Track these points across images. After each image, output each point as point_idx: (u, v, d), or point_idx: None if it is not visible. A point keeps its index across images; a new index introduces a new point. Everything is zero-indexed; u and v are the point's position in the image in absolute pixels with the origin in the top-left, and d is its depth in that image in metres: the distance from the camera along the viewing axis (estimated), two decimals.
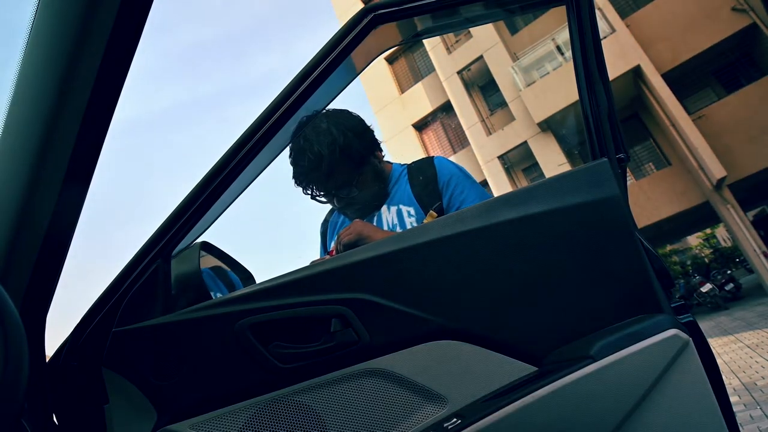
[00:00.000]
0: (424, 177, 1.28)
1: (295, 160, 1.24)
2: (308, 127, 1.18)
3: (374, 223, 1.28)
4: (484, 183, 13.28)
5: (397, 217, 1.26)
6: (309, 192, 1.27)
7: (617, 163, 0.82)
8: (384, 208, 1.30)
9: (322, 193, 1.27)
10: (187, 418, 0.79)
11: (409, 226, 1.23)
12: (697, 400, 0.68)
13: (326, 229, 1.45)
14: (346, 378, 0.78)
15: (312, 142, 1.19)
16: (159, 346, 0.81)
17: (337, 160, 1.20)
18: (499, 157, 13.32)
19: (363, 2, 14.59)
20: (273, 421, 0.78)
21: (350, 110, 1.30)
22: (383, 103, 15.77)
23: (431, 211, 1.20)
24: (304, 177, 1.24)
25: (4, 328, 0.53)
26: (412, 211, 1.25)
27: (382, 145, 1.35)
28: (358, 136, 1.25)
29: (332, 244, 1.26)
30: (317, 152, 1.18)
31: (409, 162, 1.38)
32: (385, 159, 1.37)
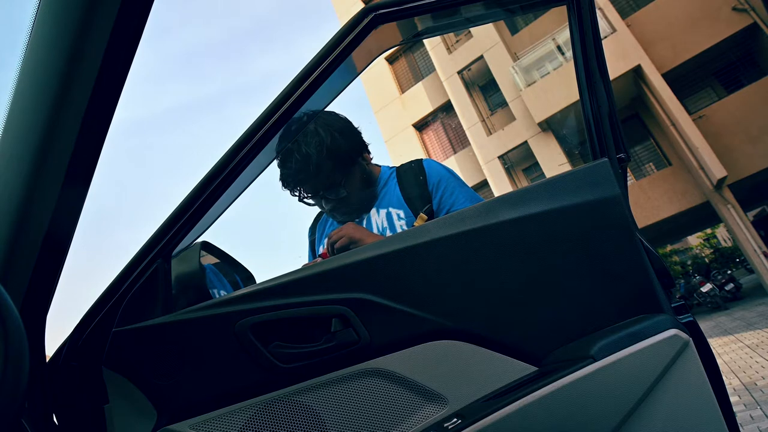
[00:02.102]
0: (414, 179, 1.28)
1: (282, 162, 1.23)
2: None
3: (364, 226, 1.28)
4: (485, 183, 13.28)
5: (387, 220, 1.26)
6: (297, 194, 1.26)
7: (618, 163, 0.82)
8: (373, 210, 1.29)
9: (309, 195, 1.27)
10: (187, 418, 0.79)
11: (399, 229, 1.23)
12: (697, 400, 0.68)
13: (314, 235, 1.44)
14: (347, 378, 0.78)
15: (299, 143, 1.19)
16: (159, 346, 0.81)
17: (325, 160, 1.20)
18: (499, 157, 13.31)
19: (363, 2, 14.59)
20: (273, 421, 0.78)
21: (338, 112, 1.30)
22: (383, 103, 15.77)
23: (421, 214, 1.20)
24: (291, 178, 1.24)
25: (5, 328, 0.53)
26: (402, 214, 1.25)
27: (371, 147, 1.36)
28: (345, 137, 1.25)
29: (322, 249, 1.26)
30: (304, 153, 1.18)
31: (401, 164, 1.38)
32: (373, 162, 1.37)
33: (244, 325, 0.80)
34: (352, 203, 1.28)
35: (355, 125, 1.32)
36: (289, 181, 1.24)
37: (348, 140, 1.25)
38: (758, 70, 11.10)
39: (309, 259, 1.44)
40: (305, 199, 1.28)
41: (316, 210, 1.45)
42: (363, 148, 1.32)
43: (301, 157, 1.19)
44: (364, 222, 1.29)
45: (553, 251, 0.78)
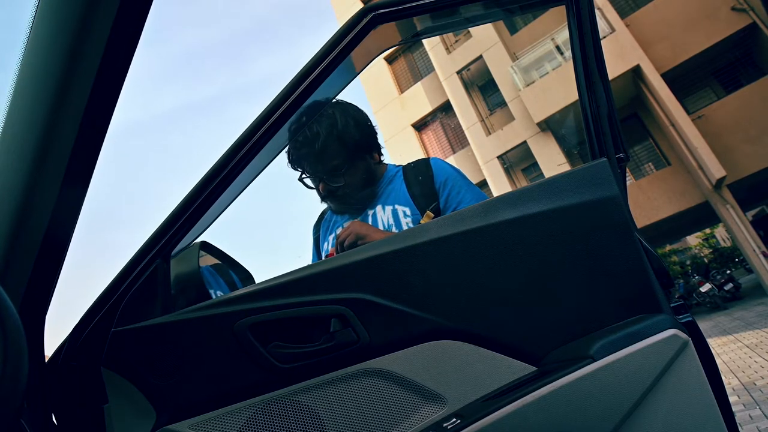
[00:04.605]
0: (421, 178, 1.28)
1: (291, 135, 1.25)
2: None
3: (369, 223, 1.28)
4: (484, 183, 13.29)
5: (393, 217, 1.26)
6: (298, 170, 1.28)
7: (617, 162, 0.82)
8: (379, 207, 1.29)
9: (309, 174, 1.28)
10: (187, 418, 0.79)
11: (405, 227, 1.23)
12: (697, 400, 0.68)
13: (318, 233, 1.44)
14: (346, 378, 0.78)
15: (313, 122, 1.21)
16: (158, 346, 0.81)
17: (332, 144, 1.22)
18: (498, 157, 13.32)
19: (363, 2, 14.58)
20: (272, 421, 0.78)
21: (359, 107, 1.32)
22: (383, 103, 15.77)
23: (428, 212, 1.20)
24: (295, 151, 1.25)
25: (4, 328, 0.53)
26: (408, 211, 1.25)
27: (383, 150, 1.36)
28: (358, 128, 1.27)
29: (330, 248, 1.26)
30: (314, 130, 1.21)
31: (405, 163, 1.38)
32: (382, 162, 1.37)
33: (243, 325, 0.80)
34: (349, 196, 1.29)
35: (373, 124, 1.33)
36: (292, 152, 1.26)
37: (360, 132, 1.27)
38: (757, 70, 11.11)
39: (313, 255, 1.45)
40: (305, 179, 1.30)
41: (317, 208, 1.45)
42: (374, 146, 1.33)
43: (310, 133, 1.21)
44: (370, 219, 1.29)
45: (552, 251, 0.78)
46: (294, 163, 1.27)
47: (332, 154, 1.23)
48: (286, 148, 1.26)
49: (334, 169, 1.25)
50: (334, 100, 1.25)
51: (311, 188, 1.32)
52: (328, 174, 1.25)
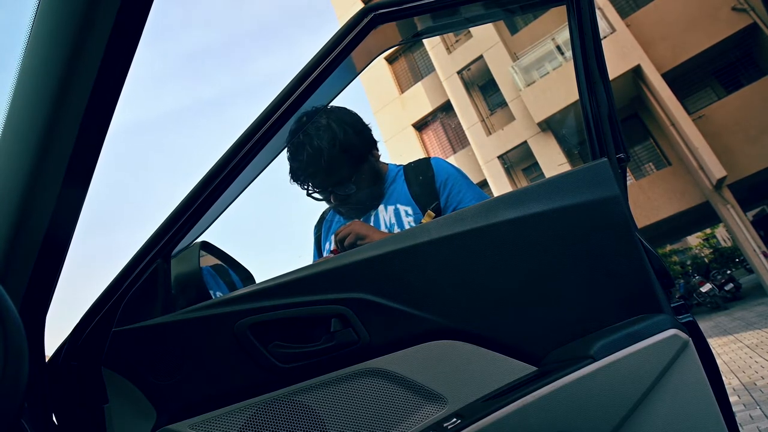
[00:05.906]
0: (422, 177, 1.28)
1: (293, 155, 1.23)
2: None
3: (371, 223, 1.28)
4: (484, 183, 13.28)
5: (395, 216, 1.26)
6: (306, 188, 1.26)
7: (617, 162, 0.82)
8: (381, 207, 1.29)
9: (318, 189, 1.27)
10: (187, 418, 0.79)
11: (407, 226, 1.23)
12: (697, 400, 0.68)
13: (320, 231, 1.44)
14: (346, 378, 0.78)
15: (312, 137, 1.19)
16: (159, 346, 0.81)
17: (337, 155, 1.19)
18: (499, 157, 13.31)
19: (363, 2, 14.58)
20: (273, 421, 0.78)
21: (348, 108, 1.30)
22: (383, 103, 15.77)
23: (429, 211, 1.20)
24: (301, 172, 1.23)
25: (4, 328, 0.53)
26: (410, 211, 1.25)
27: (378, 145, 1.36)
28: (357, 133, 1.25)
29: (332, 246, 1.26)
30: (317, 147, 1.18)
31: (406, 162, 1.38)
32: (381, 159, 1.37)
33: (243, 325, 0.80)
34: (359, 199, 1.28)
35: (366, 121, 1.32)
36: (298, 174, 1.24)
37: (360, 136, 1.26)
38: (758, 70, 11.11)
39: (314, 255, 1.45)
40: (313, 194, 1.28)
41: (317, 208, 1.45)
42: (373, 144, 1.32)
43: (313, 150, 1.18)
44: (372, 219, 1.29)
45: (552, 251, 0.78)
46: (300, 182, 1.25)
47: (338, 166, 1.21)
48: (288, 168, 1.24)
49: (343, 180, 1.23)
50: (325, 109, 1.23)
51: (320, 200, 1.31)
52: (337, 185, 1.24)
